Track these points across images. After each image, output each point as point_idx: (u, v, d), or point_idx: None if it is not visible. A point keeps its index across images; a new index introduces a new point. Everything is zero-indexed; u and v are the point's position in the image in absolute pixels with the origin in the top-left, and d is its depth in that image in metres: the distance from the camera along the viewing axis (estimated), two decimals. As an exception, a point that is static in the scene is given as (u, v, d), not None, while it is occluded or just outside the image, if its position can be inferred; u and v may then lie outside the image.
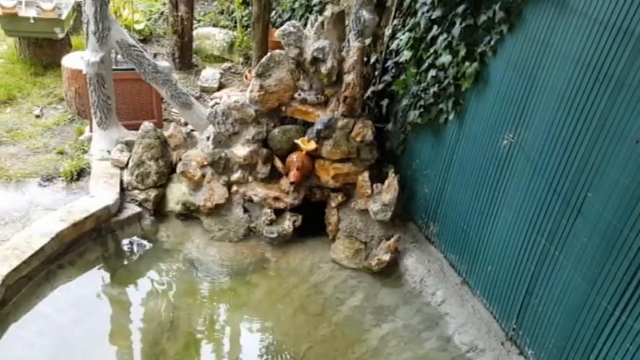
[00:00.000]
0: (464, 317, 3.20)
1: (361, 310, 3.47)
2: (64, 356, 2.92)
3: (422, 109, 3.57)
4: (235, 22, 7.21)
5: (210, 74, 5.84)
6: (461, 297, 3.32)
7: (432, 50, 3.44)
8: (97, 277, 3.47)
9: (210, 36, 6.71)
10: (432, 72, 3.40)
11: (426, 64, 3.49)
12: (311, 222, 4.04)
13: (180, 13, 5.75)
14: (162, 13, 7.13)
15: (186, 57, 6.04)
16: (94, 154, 4.15)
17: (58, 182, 4.20)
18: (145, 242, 3.84)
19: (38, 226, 3.34)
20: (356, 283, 3.69)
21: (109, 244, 3.70)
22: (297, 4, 5.86)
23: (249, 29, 6.73)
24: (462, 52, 3.13)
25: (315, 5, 5.43)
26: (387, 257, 3.65)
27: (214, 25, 7.27)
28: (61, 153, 4.53)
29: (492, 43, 2.96)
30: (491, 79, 3.03)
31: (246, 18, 6.79)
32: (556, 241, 2.60)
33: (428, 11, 3.43)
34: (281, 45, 5.74)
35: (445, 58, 3.26)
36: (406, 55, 3.69)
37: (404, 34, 3.80)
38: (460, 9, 3.10)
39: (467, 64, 3.11)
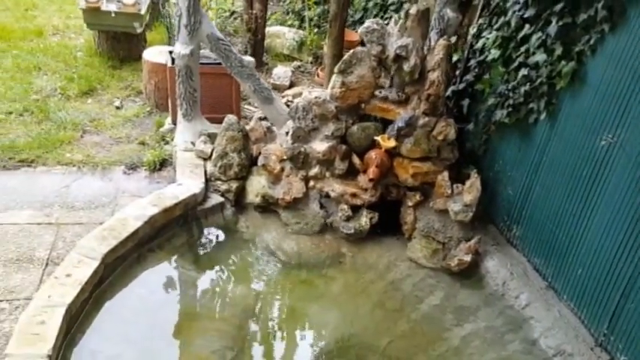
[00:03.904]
0: (550, 321, 3.24)
1: (441, 309, 3.56)
2: (158, 335, 3.14)
3: (510, 109, 3.64)
4: (302, 22, 7.46)
5: (282, 72, 6.07)
6: (546, 301, 3.35)
7: (522, 49, 3.50)
8: (183, 262, 3.69)
9: (280, 35, 6.96)
10: (523, 71, 3.46)
11: (516, 63, 3.55)
12: (384, 220, 4.15)
13: (254, 11, 6.01)
14: (233, 12, 7.45)
15: (258, 55, 6.30)
16: (179, 145, 4.41)
17: (141, 171, 4.52)
18: (222, 232, 4.08)
19: (132, 209, 3.59)
20: (434, 283, 3.78)
21: (194, 231, 3.93)
22: (370, 4, 6.02)
23: (319, 28, 6.96)
24: (558, 51, 3.18)
25: (391, 4, 5.57)
26: (468, 258, 3.73)
27: (281, 24, 7.54)
28: (142, 144, 4.85)
29: (592, 41, 3.01)
30: (589, 78, 3.07)
31: (316, 17, 7.01)
32: (658, 244, 2.63)
33: (519, 10, 3.51)
34: (354, 44, 5.94)
35: (539, 57, 3.32)
36: (493, 54, 3.77)
37: (491, 32, 3.89)
38: (557, 7, 3.16)
39: (563, 63, 3.16)
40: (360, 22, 6.45)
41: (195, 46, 4.12)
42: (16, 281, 3.22)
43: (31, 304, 2.78)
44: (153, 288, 3.43)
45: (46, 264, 3.39)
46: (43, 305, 2.76)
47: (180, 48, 4.11)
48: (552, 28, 3.20)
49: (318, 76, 6.23)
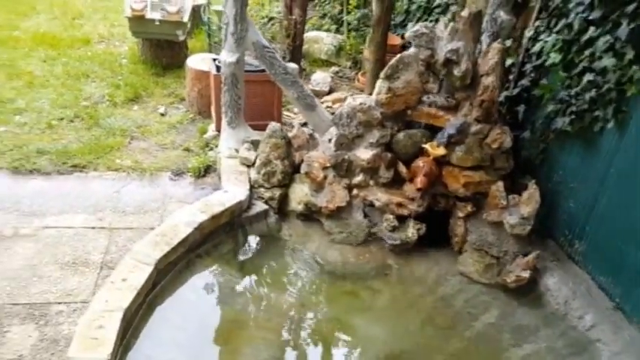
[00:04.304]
0: (619, 345, 2.98)
1: (497, 327, 3.35)
2: (208, 342, 3.10)
3: (572, 116, 3.41)
4: (339, 26, 7.35)
5: (321, 78, 5.96)
6: (614, 323, 3.09)
7: (586, 53, 3.28)
8: (229, 269, 3.63)
9: (318, 40, 6.86)
10: (588, 76, 3.23)
11: (579, 68, 3.33)
12: (431, 231, 3.97)
13: (294, 17, 5.92)
14: (270, 19, 7.40)
15: (296, 60, 6.20)
16: (223, 152, 4.36)
17: (187, 177, 4.53)
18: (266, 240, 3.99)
19: (182, 215, 3.56)
20: (489, 300, 3.57)
21: (239, 237, 3.87)
22: (413, 6, 5.84)
23: (356, 32, 6.82)
24: (629, 55, 2.94)
25: (436, 7, 5.39)
26: (526, 275, 3.49)
27: (317, 29, 7.44)
28: (186, 150, 4.85)
29: (669, 44, 2.78)
30: (664, 83, 2.84)
31: (355, 21, 6.88)
32: None
33: (583, 12, 3.29)
34: (395, 48, 5.78)
35: (606, 62, 3.09)
36: (553, 58, 3.55)
37: (550, 35, 3.67)
38: (629, 8, 2.93)
39: (634, 67, 2.92)
40: (402, 25, 6.30)
41: (241, 54, 4.06)
42: (72, 284, 3.30)
43: (90, 309, 2.79)
44: (201, 294, 3.40)
45: (101, 267, 3.46)
46: (101, 310, 2.77)
47: (227, 56, 4.05)
48: (622, 31, 2.97)
49: (358, 81, 6.10)
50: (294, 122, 5.18)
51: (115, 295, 2.87)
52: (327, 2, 7.73)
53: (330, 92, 5.95)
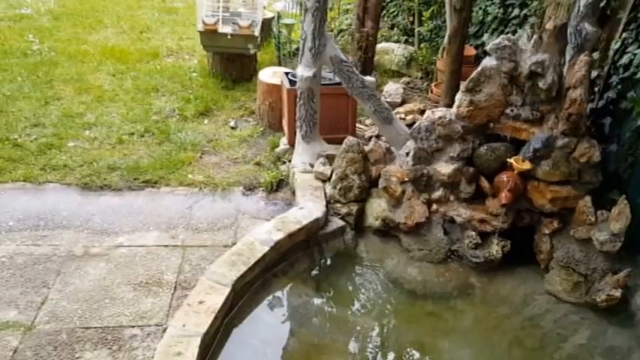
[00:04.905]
0: None
1: (588, 349, 3.32)
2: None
3: (666, 130, 3.37)
4: (409, 36, 7.44)
5: (393, 89, 6.06)
6: None
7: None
8: (306, 289, 3.71)
9: (388, 51, 6.98)
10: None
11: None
12: (514, 248, 3.97)
13: (366, 29, 6.06)
14: (340, 31, 7.58)
15: (368, 72, 6.32)
16: (297, 167, 4.50)
17: (259, 192, 4.62)
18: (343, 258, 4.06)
19: (257, 233, 3.65)
20: (578, 319, 3.54)
21: (315, 256, 3.95)
22: (488, 18, 5.86)
23: (428, 43, 6.89)
24: None
25: (513, 18, 5.39)
26: (618, 294, 3.46)
27: (386, 40, 7.56)
28: (258, 164, 4.98)
29: None
30: None
31: (427, 32, 6.95)
32: None
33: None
34: (469, 59, 5.81)
35: None
36: (646, 69, 3.53)
37: (639, 48, 3.65)
38: None
39: None
40: (475, 36, 6.32)
41: (318, 69, 4.21)
42: (146, 306, 3.29)
43: (167, 334, 2.83)
44: (278, 315, 3.47)
45: (175, 288, 3.46)
46: (178, 335, 2.79)
47: (304, 71, 4.21)
48: None
49: (431, 92, 6.16)
50: (365, 134, 5.29)
51: (193, 318, 2.89)
52: (395, 14, 7.84)
53: (402, 103, 6.03)
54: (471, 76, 3.98)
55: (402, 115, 5.64)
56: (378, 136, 4.93)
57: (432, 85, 6.15)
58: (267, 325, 3.38)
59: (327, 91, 4.70)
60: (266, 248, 3.51)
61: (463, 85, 4.06)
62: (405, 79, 6.67)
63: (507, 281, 3.87)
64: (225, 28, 6.04)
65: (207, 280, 3.21)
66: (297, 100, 4.37)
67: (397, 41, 7.43)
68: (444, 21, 6.34)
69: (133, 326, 3.15)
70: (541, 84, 3.79)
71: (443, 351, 3.42)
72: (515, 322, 3.58)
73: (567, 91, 3.72)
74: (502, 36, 3.94)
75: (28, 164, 4.70)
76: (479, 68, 3.98)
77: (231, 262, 3.37)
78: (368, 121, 5.55)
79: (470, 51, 5.91)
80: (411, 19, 7.32)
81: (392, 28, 8.01)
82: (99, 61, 6.92)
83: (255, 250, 3.50)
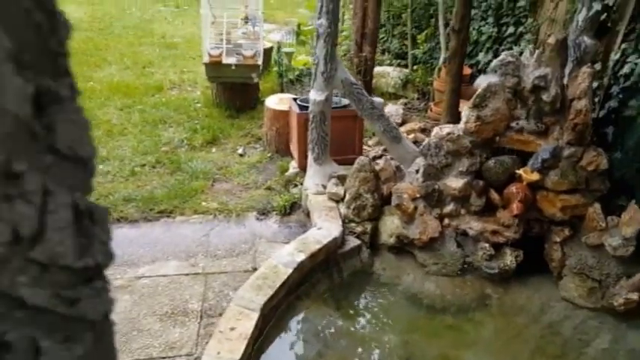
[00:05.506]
0: None
1: (611, 353, 3.35)
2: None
3: (672, 135, 3.48)
4: (400, 60, 7.64)
5: (393, 110, 6.18)
6: None
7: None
8: (328, 309, 3.72)
9: (384, 74, 7.15)
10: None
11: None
12: (525, 257, 4.02)
13: (364, 54, 6.22)
14: (344, 55, 7.76)
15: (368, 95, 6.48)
16: (310, 189, 4.55)
17: (272, 216, 4.65)
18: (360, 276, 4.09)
19: (280, 256, 3.65)
20: (597, 324, 3.57)
21: (334, 275, 3.97)
22: (483, 37, 6.04)
23: (423, 65, 7.07)
24: None
25: (508, 36, 5.56)
26: (635, 297, 3.50)
27: (379, 65, 7.75)
28: (269, 189, 5.04)
29: None
30: None
31: (421, 55, 7.14)
32: None
33: (676, 30, 3.40)
34: (465, 79, 5.96)
35: None
36: (645, 78, 3.65)
37: (639, 57, 3.78)
38: None
39: None
40: (469, 55, 6.48)
41: (329, 92, 4.31)
42: (174, 336, 3.25)
43: None
44: (305, 339, 3.47)
45: (201, 316, 3.42)
46: None
47: (316, 94, 4.30)
48: None
49: (431, 110, 6.29)
50: (369, 154, 5.38)
51: (226, 345, 2.85)
52: (385, 39, 8.05)
53: (402, 123, 6.15)
54: (477, 92, 4.09)
55: (404, 134, 5.74)
56: (381, 156, 5.02)
57: (431, 104, 6.29)
58: (295, 348, 3.38)
59: (335, 114, 4.80)
60: (290, 270, 3.51)
61: (469, 102, 4.17)
62: (403, 100, 6.81)
63: (523, 290, 3.91)
64: (229, 59, 6.16)
65: (235, 305, 3.18)
66: (310, 123, 4.46)
67: (390, 64, 7.61)
68: (438, 43, 6.52)
69: (164, 357, 3.11)
70: (545, 97, 3.90)
71: (470, 363, 3.44)
72: (534, 330, 3.61)
73: (571, 103, 3.83)
74: (505, 52, 4.08)
75: (44, 200, 4.73)
76: (485, 84, 4.10)
77: (257, 287, 3.35)
78: (371, 142, 5.65)
79: (466, 70, 6.07)
80: (406, 42, 7.52)
81: (384, 53, 8.21)
82: (106, 97, 7.02)
83: (280, 272, 3.50)
